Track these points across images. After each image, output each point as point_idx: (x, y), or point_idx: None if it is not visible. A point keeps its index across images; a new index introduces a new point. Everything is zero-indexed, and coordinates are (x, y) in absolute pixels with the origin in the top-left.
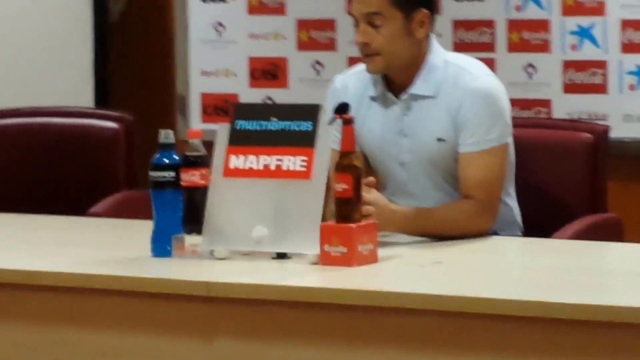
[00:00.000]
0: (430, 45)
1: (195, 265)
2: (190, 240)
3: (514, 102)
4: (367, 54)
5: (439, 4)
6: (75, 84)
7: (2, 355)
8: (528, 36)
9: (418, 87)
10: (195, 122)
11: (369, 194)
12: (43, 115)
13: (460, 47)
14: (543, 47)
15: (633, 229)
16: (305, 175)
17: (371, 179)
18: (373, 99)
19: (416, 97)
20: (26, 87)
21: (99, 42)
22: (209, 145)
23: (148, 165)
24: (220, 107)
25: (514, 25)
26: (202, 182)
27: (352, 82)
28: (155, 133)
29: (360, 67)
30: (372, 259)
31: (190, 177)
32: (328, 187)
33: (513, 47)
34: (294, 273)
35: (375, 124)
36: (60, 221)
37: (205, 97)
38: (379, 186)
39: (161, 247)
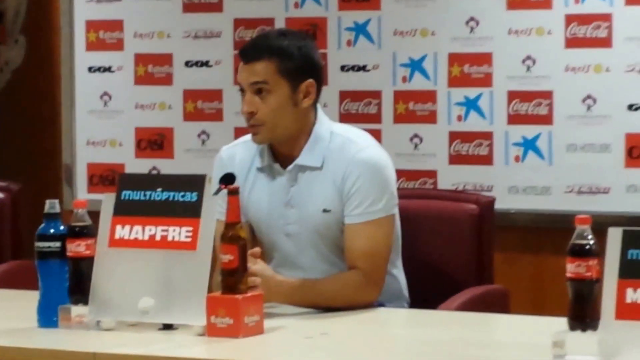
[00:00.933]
0: (316, 116)
1: (81, 336)
2: (77, 310)
3: (400, 173)
4: (252, 124)
5: (325, 74)
6: None
7: None
8: (414, 107)
9: (304, 158)
10: (82, 192)
11: (255, 265)
12: None
13: (346, 117)
14: (429, 117)
15: (519, 300)
16: (190, 246)
17: (257, 249)
18: (260, 169)
19: (303, 168)
20: None
21: None
22: (95, 215)
23: (34, 235)
24: (106, 176)
25: (401, 96)
26: (88, 252)
27: (239, 153)
28: (42, 203)
29: (248, 137)
30: (258, 330)
31: (76, 248)
32: (214, 258)
33: (399, 118)
34: (180, 344)
35: (262, 194)
36: None
37: (91, 166)
38: (265, 257)
39: (48, 317)
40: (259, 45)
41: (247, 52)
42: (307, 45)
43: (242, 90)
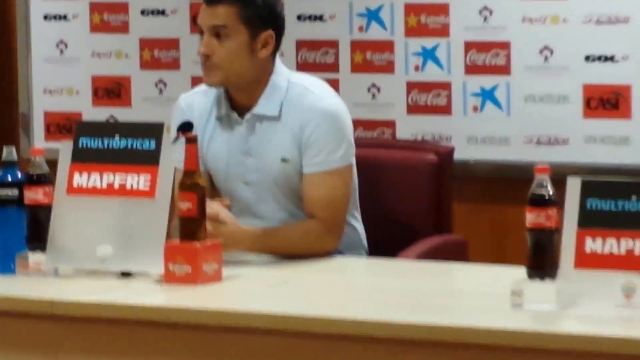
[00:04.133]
0: (274, 66)
1: (39, 283)
2: (35, 258)
3: (358, 123)
4: (207, 66)
5: (284, 26)
6: None
7: None
8: (371, 57)
9: (261, 107)
10: (39, 141)
11: (220, 212)
12: None
13: (303, 67)
14: (387, 67)
15: (478, 250)
16: (149, 194)
17: (227, 200)
18: (219, 119)
19: (260, 118)
20: None
21: None
22: (52, 163)
23: None
24: (63, 125)
25: (358, 46)
26: (46, 200)
27: (198, 101)
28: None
29: (205, 86)
30: (217, 277)
31: (34, 195)
32: (172, 206)
33: (357, 68)
34: (138, 292)
35: (221, 144)
36: None
37: (48, 115)
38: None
39: (5, 264)
40: None
41: None
42: None
43: (201, 31)
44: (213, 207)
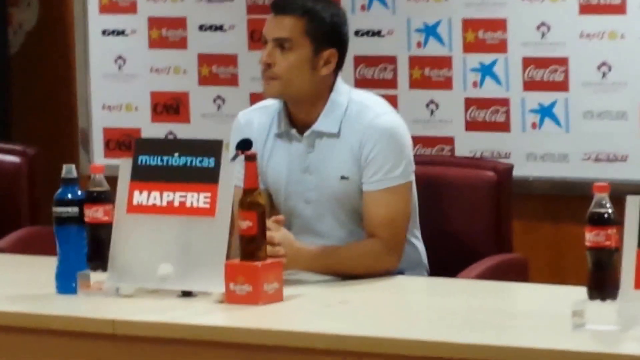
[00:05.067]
0: (335, 84)
1: (100, 303)
2: (96, 277)
3: (417, 140)
4: (267, 75)
5: (347, 46)
6: None
7: None
8: (430, 73)
9: (321, 124)
10: (98, 157)
11: (277, 232)
12: None
13: (361, 83)
14: (445, 84)
15: (538, 268)
16: (209, 212)
17: (281, 217)
18: (278, 135)
19: (320, 135)
20: None
21: None
22: (112, 180)
23: (51, 200)
24: (122, 141)
25: (416, 62)
26: (106, 218)
27: (257, 118)
28: (58, 167)
29: (265, 103)
30: (277, 297)
31: (94, 213)
32: (232, 225)
33: (415, 84)
34: (199, 311)
35: (281, 161)
36: None
37: (107, 131)
38: (285, 224)
39: (66, 284)
40: (293, 1)
41: (280, 5)
42: (340, 15)
43: (265, 41)
44: (268, 230)
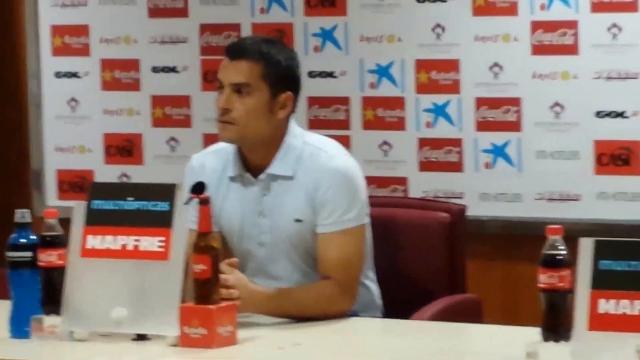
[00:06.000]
0: (289, 127)
1: (54, 347)
2: (50, 321)
3: (370, 180)
4: (224, 120)
5: (300, 89)
6: None
7: None
8: (383, 113)
9: (276, 167)
10: (52, 198)
11: (231, 275)
12: None
13: (315, 123)
14: (398, 124)
15: (492, 308)
16: (163, 255)
17: (234, 259)
18: (232, 179)
19: (274, 178)
20: None
21: None
22: (66, 221)
23: (4, 243)
24: (76, 183)
25: (369, 102)
26: (60, 262)
27: (210, 162)
28: (11, 208)
29: (218, 146)
30: (232, 340)
31: (48, 257)
32: (187, 268)
33: (368, 125)
34: (153, 355)
35: (235, 204)
36: None
37: (60, 173)
38: (239, 266)
39: (20, 327)
40: (248, 46)
41: (235, 50)
42: (294, 58)
43: (220, 86)
44: (222, 272)
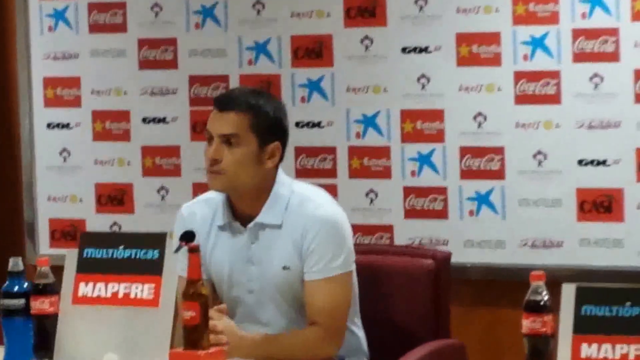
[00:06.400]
0: (277, 176)
1: None
2: None
3: (356, 228)
4: (214, 170)
5: (288, 138)
6: None
7: None
8: (369, 162)
9: (264, 216)
10: (44, 246)
11: (220, 321)
12: None
13: (302, 172)
14: (384, 173)
15: (476, 354)
16: (153, 303)
17: (223, 306)
18: (221, 228)
19: (263, 226)
20: None
21: None
22: (58, 269)
23: None
24: (68, 231)
25: (355, 152)
26: (52, 309)
27: (200, 211)
28: (4, 257)
29: (207, 195)
30: None
31: (40, 305)
32: (176, 314)
33: (354, 173)
34: None
35: (224, 252)
36: None
37: (52, 222)
38: (228, 313)
39: None
40: (236, 97)
41: (223, 101)
42: (281, 109)
43: (210, 137)
44: (211, 319)
